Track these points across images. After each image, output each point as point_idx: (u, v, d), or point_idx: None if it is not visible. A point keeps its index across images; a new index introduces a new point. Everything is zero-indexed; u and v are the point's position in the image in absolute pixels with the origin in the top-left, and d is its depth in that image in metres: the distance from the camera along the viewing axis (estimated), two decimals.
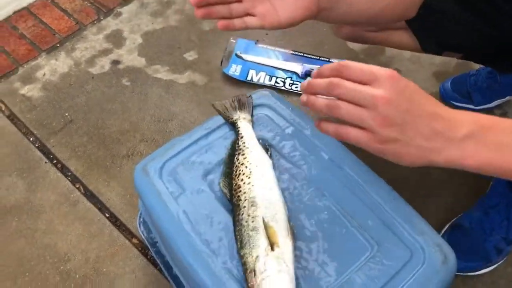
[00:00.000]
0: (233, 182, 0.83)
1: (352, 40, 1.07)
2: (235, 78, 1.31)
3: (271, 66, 1.33)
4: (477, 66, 1.26)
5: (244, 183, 0.81)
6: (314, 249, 0.77)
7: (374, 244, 0.78)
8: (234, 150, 0.88)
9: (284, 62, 1.34)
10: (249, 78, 1.31)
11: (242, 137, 0.88)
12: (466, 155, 0.53)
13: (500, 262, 0.98)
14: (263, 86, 1.29)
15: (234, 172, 0.84)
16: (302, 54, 1.36)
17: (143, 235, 1.01)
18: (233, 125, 0.91)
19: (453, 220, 1.03)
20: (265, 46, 1.38)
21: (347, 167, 0.87)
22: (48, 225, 1.07)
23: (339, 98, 0.53)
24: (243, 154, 0.86)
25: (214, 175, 0.86)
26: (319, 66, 1.29)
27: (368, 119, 0.51)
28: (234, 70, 1.32)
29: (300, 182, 0.85)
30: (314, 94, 0.56)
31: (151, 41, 1.43)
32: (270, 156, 0.87)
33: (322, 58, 1.35)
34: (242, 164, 0.84)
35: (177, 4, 1.53)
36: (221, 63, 1.34)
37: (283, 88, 1.29)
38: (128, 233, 1.06)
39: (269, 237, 0.73)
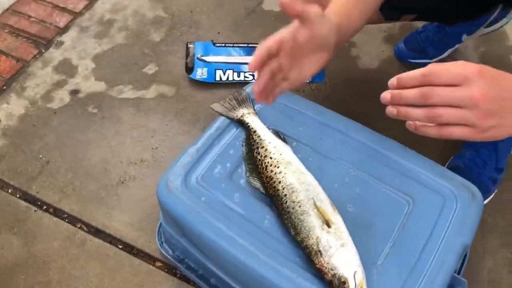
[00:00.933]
0: (262, 175, 0.83)
1: None
2: (204, 82, 1.30)
3: (236, 63, 1.34)
4: (419, 24, 1.37)
5: (275, 173, 0.82)
6: (356, 217, 0.80)
7: (408, 199, 0.83)
8: (250, 145, 0.89)
9: (247, 56, 1.35)
10: (217, 78, 1.31)
11: (255, 131, 0.89)
12: None
13: (495, 191, 1.08)
14: (233, 84, 1.30)
15: (260, 166, 0.85)
16: None
17: (168, 254, 0.98)
18: (241, 122, 0.92)
19: (446, 164, 1.12)
20: (223, 44, 1.38)
21: (356, 135, 0.92)
22: (61, 274, 1.01)
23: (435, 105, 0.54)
24: (262, 147, 0.87)
25: (238, 175, 0.87)
26: None
27: (472, 118, 0.52)
28: (201, 73, 1.31)
29: (320, 159, 0.88)
30: (403, 105, 0.56)
31: (104, 63, 1.38)
32: (286, 142, 0.89)
33: None
34: (265, 156, 0.85)
35: (119, 22, 1.48)
36: (186, 69, 1.33)
37: (253, 81, 1.30)
38: (149, 258, 1.03)
39: (322, 216, 0.75)
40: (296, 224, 0.76)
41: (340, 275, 0.69)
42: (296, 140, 0.91)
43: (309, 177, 0.82)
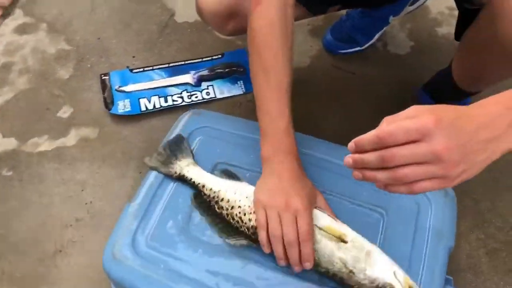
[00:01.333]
0: (243, 228, 0.74)
1: (238, 34, 1.03)
2: (128, 115, 1.17)
3: (160, 87, 1.22)
4: (342, 12, 1.32)
5: (251, 220, 0.73)
6: None
7: (382, 212, 0.77)
8: (206, 203, 0.78)
9: (170, 78, 1.23)
10: (143, 108, 1.18)
11: (203, 186, 0.79)
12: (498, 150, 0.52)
13: None
14: (162, 111, 1.18)
15: (233, 220, 0.74)
16: (184, 63, 1.27)
17: None
18: (181, 179, 0.81)
19: None
20: (141, 69, 1.25)
21: (310, 150, 0.85)
22: None
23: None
24: (222, 199, 0.76)
25: (196, 226, 0.76)
26: (211, 66, 1.24)
27: (439, 172, 0.50)
28: (123, 106, 1.18)
29: None
30: (366, 168, 0.54)
31: (10, 115, 1.20)
32: (239, 178, 0.80)
33: (206, 59, 1.27)
34: (232, 207, 0.75)
35: (17, 64, 1.30)
36: (105, 105, 1.19)
37: (184, 103, 1.19)
38: None
39: (333, 235, 0.69)
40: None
41: (384, 284, 0.65)
42: (250, 170, 0.82)
43: None
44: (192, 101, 1.20)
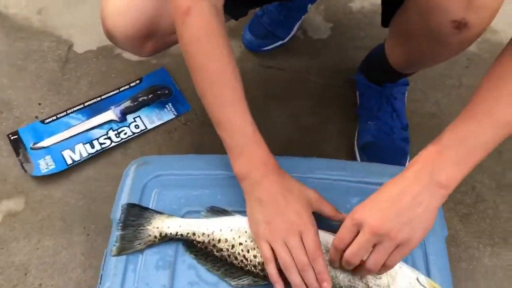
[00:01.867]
0: (248, 267, 0.68)
1: (156, 53, 0.93)
2: (55, 173, 1.02)
3: (82, 132, 1.07)
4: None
5: (256, 256, 0.68)
6: None
7: None
8: (204, 250, 0.71)
9: (91, 119, 1.09)
10: (69, 162, 1.04)
11: (193, 234, 0.71)
12: (447, 186, 0.59)
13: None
14: (93, 159, 1.05)
15: (235, 260, 0.69)
16: (100, 98, 1.13)
17: None
18: (165, 239, 0.72)
19: (356, 144, 1.05)
20: (54, 118, 1.10)
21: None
22: None
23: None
24: (218, 241, 0.70)
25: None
26: (132, 96, 1.12)
27: (390, 243, 0.58)
28: (46, 165, 1.03)
29: None
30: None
31: None
32: (228, 212, 0.73)
33: (123, 88, 1.15)
34: (233, 246, 0.69)
35: None
36: (23, 168, 1.03)
37: (113, 144, 1.07)
38: None
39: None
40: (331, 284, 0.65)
41: None
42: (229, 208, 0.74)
43: None
44: (122, 139, 1.08)
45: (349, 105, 1.13)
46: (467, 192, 1.03)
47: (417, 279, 0.65)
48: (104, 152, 1.06)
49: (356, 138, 1.06)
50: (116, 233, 0.73)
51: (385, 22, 0.88)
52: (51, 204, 1.01)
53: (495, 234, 0.99)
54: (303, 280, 0.63)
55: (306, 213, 0.65)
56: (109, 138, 1.08)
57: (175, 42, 0.93)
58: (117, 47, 0.93)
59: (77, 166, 1.05)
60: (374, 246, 0.58)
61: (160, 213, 0.74)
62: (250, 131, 0.67)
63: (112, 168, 1.06)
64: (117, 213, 0.75)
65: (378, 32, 1.25)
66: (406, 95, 1.07)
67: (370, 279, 0.65)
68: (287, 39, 1.22)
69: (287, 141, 1.09)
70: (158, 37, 0.87)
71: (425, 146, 0.62)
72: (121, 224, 0.73)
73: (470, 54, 1.24)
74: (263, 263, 0.67)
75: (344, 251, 0.61)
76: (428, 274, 0.69)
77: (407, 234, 0.57)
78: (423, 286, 0.65)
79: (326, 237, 0.67)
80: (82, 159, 1.05)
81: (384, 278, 0.65)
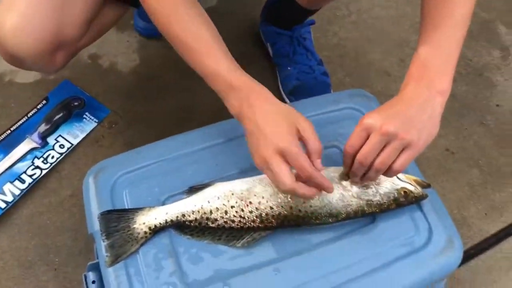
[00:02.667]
0: (247, 224, 0.69)
1: (66, 64, 0.88)
2: None
3: (5, 171, 0.98)
4: None
5: (252, 211, 0.69)
6: None
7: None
8: (196, 228, 0.70)
9: (9, 155, 1.00)
10: (3, 206, 0.94)
11: (183, 216, 0.70)
12: (444, 91, 0.65)
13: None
14: (28, 195, 0.96)
15: (233, 224, 0.69)
16: (10, 130, 1.03)
17: None
18: (156, 231, 0.69)
19: (283, 91, 1.09)
20: None
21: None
22: None
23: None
24: (210, 213, 0.70)
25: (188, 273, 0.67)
26: (45, 117, 1.04)
27: (398, 144, 0.61)
28: None
29: None
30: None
31: None
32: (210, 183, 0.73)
33: (32, 113, 1.05)
34: (225, 213, 0.69)
35: None
36: None
37: (45, 171, 0.99)
38: None
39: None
40: (328, 212, 0.69)
41: (397, 191, 0.70)
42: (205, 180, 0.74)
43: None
44: (51, 163, 1.00)
45: (263, 59, 1.16)
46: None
47: (397, 176, 0.71)
48: (37, 183, 0.98)
49: (280, 86, 1.10)
50: (102, 244, 0.69)
51: None
52: (1, 255, 0.91)
53: None
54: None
55: (292, 116, 0.65)
56: (37, 167, 0.99)
57: (84, 46, 0.89)
58: (22, 68, 0.85)
59: (13, 207, 0.96)
60: (383, 148, 0.62)
61: (141, 208, 0.71)
62: (226, 70, 0.66)
63: (52, 196, 0.98)
64: (95, 226, 0.71)
65: None
66: (311, 34, 1.13)
67: (359, 193, 0.70)
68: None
69: (218, 110, 1.09)
70: (66, 46, 0.82)
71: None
72: (104, 234, 0.69)
73: None
74: (260, 215, 0.68)
75: (354, 156, 0.64)
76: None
77: (414, 136, 0.61)
78: (403, 181, 0.71)
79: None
80: (16, 198, 0.96)
81: (371, 186, 0.70)
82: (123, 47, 1.19)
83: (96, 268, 0.70)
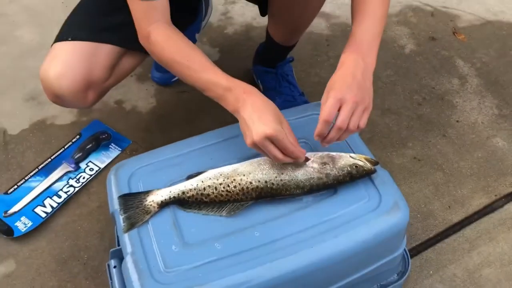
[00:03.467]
0: (233, 197, 0.87)
1: (98, 100, 1.12)
2: (34, 228, 1.13)
3: (45, 189, 1.20)
4: None
5: (236, 186, 0.88)
6: None
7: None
8: (194, 203, 0.88)
9: (49, 177, 1.22)
10: (43, 215, 1.15)
11: (183, 193, 0.89)
12: (373, 64, 0.87)
13: None
14: (63, 208, 1.18)
15: (221, 197, 0.88)
16: (50, 159, 1.27)
17: None
18: (163, 206, 0.88)
19: None
20: (15, 187, 1.21)
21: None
22: None
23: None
24: (204, 189, 0.88)
25: (192, 235, 0.85)
26: (78, 147, 1.27)
27: (362, 108, 0.82)
28: (24, 225, 1.13)
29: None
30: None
31: None
32: (205, 170, 0.92)
33: (67, 146, 1.30)
34: (215, 189, 0.88)
35: None
36: (5, 233, 1.12)
37: (77, 189, 1.21)
38: None
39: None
40: (295, 184, 0.87)
41: (350, 165, 0.87)
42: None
43: (254, 161, 0.91)
44: (82, 183, 1.22)
45: None
46: None
47: (350, 155, 0.89)
48: (70, 199, 1.20)
49: None
50: (120, 217, 0.88)
51: (264, 11, 1.18)
52: (41, 254, 1.11)
53: (394, 142, 1.29)
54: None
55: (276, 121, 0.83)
56: (71, 185, 1.22)
57: (111, 86, 1.12)
58: (63, 105, 1.10)
59: (51, 217, 1.16)
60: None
61: (150, 190, 0.91)
62: (224, 79, 0.87)
63: (83, 208, 1.19)
64: (115, 206, 0.90)
65: (254, 42, 1.58)
66: (293, 72, 1.37)
67: (319, 168, 0.88)
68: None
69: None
70: (95, 86, 1.06)
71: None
72: (122, 210, 0.89)
73: (327, 36, 1.61)
74: (242, 189, 0.87)
75: (329, 123, 0.82)
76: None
77: (368, 99, 0.83)
78: (355, 158, 0.89)
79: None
80: (54, 210, 1.17)
81: (329, 163, 0.88)
82: (143, 93, 1.45)
83: (117, 255, 0.89)
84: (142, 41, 0.94)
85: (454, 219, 1.13)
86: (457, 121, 1.34)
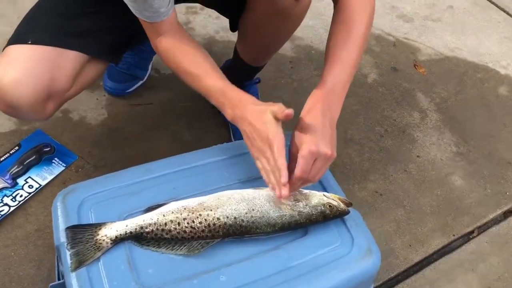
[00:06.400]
0: (198, 233, 0.80)
1: (55, 111, 1.01)
2: None
3: None
4: None
5: (201, 222, 0.80)
6: None
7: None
8: (152, 239, 0.80)
9: None
10: None
11: (141, 228, 0.80)
12: (337, 115, 0.86)
13: None
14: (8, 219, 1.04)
15: (184, 234, 0.80)
16: None
17: None
18: (117, 242, 0.79)
19: (234, 139, 1.25)
20: None
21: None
22: None
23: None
24: (165, 225, 0.80)
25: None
26: (17, 161, 1.14)
27: (328, 160, 0.81)
28: None
29: None
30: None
31: None
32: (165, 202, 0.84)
33: (4, 157, 1.16)
34: (178, 224, 0.80)
35: None
36: None
37: (13, 208, 1.07)
38: None
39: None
40: (267, 222, 0.81)
41: (323, 205, 0.83)
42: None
43: (223, 194, 0.84)
44: (19, 201, 1.09)
45: (216, 115, 1.33)
46: None
47: (323, 194, 0.85)
48: (5, 219, 1.06)
49: (232, 137, 1.26)
50: (67, 253, 0.78)
51: (234, 27, 1.11)
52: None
53: (356, 174, 1.27)
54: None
55: (271, 126, 0.80)
56: (6, 204, 1.08)
57: (71, 97, 1.02)
58: (17, 117, 0.98)
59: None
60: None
61: (104, 223, 0.81)
62: (226, 85, 0.86)
63: (18, 231, 1.06)
64: (60, 238, 0.80)
65: (217, 58, 1.49)
66: (259, 95, 1.32)
67: (292, 205, 0.82)
68: (146, 78, 1.38)
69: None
70: (56, 96, 0.95)
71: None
72: (69, 244, 0.78)
73: (291, 58, 1.57)
74: (208, 225, 0.80)
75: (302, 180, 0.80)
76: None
77: (334, 151, 0.81)
78: (329, 198, 0.85)
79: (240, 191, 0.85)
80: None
81: (302, 201, 0.83)
82: (92, 103, 1.33)
83: None
84: (155, 50, 0.93)
85: (415, 258, 1.12)
86: (418, 156, 1.34)
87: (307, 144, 0.79)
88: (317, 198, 0.85)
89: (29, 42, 0.91)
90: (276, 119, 0.80)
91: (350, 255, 0.83)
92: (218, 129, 1.31)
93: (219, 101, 0.86)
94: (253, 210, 0.82)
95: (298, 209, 0.83)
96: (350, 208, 0.87)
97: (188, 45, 0.91)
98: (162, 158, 0.96)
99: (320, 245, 0.83)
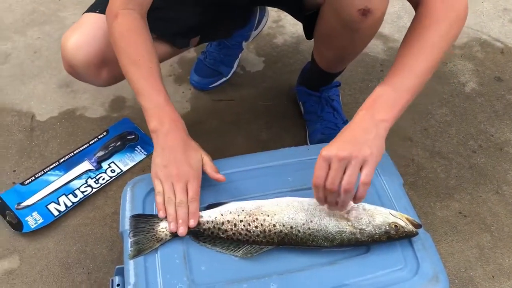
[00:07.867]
0: (252, 238, 0.79)
1: (114, 82, 1.08)
2: (44, 226, 1.08)
3: (62, 186, 1.15)
4: (195, 54, 1.43)
5: (257, 226, 0.80)
6: None
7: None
8: (209, 236, 0.81)
9: (68, 173, 1.17)
10: (55, 213, 1.10)
11: (199, 224, 0.81)
12: (386, 120, 0.76)
13: None
14: (77, 208, 1.12)
15: (239, 236, 0.80)
16: (73, 154, 1.22)
17: None
18: (173, 236, 0.81)
19: (309, 143, 1.21)
20: (32, 178, 1.16)
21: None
22: None
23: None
24: (222, 224, 0.81)
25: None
26: (103, 145, 1.21)
27: (356, 162, 0.72)
28: (34, 221, 1.08)
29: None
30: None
31: None
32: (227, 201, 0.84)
33: (93, 141, 1.24)
34: (234, 226, 0.80)
35: None
36: (14, 227, 1.07)
37: (95, 190, 1.15)
38: None
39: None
40: (324, 235, 0.78)
41: (389, 224, 0.77)
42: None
43: (282, 200, 0.83)
44: (101, 184, 1.16)
45: (296, 116, 1.31)
46: (408, 165, 1.21)
47: (390, 212, 0.79)
48: (87, 199, 1.14)
49: (308, 140, 1.23)
50: (128, 241, 0.81)
51: (309, 36, 1.08)
52: (47, 254, 1.05)
53: (439, 191, 1.17)
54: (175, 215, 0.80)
55: (196, 167, 0.83)
56: (89, 185, 1.16)
57: None
58: (78, 78, 1.05)
59: (64, 216, 1.11)
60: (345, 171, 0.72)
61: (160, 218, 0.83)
62: (162, 98, 0.85)
63: (97, 212, 1.13)
64: (125, 225, 0.83)
65: (303, 57, 1.48)
66: (340, 97, 1.26)
67: (354, 222, 0.78)
68: (230, 75, 1.40)
69: (246, 151, 1.22)
70: (110, 66, 1.00)
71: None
72: (132, 232, 0.82)
73: (382, 61, 1.49)
74: (264, 231, 0.79)
75: (318, 188, 0.75)
76: (395, 209, 0.83)
77: (366, 151, 0.72)
78: (396, 216, 0.79)
79: (301, 200, 0.82)
80: (68, 209, 1.11)
81: (365, 217, 0.78)
82: (179, 96, 1.38)
83: (122, 273, 0.81)
84: (107, 17, 0.90)
85: None
86: None
87: (320, 151, 0.75)
88: (382, 216, 0.79)
89: (97, 11, 0.99)
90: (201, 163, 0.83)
91: (412, 281, 0.76)
92: (296, 129, 1.29)
93: (147, 107, 0.85)
94: (311, 222, 0.79)
95: (360, 227, 0.78)
96: (421, 230, 0.80)
97: (144, 35, 0.88)
98: (234, 155, 0.97)
99: (381, 265, 0.78)
